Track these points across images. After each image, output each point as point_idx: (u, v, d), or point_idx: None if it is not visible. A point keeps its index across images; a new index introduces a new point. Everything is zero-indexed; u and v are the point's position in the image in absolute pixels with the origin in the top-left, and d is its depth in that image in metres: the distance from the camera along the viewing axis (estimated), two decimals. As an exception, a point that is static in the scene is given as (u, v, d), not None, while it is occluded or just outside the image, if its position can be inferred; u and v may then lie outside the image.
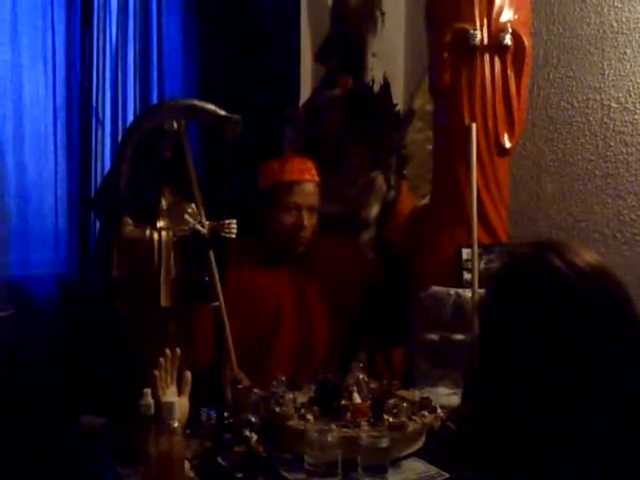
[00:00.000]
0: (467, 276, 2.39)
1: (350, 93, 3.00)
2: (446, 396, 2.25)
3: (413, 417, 1.93)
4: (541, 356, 1.13)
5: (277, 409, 1.91)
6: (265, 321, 2.42)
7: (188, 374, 1.85)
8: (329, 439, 1.73)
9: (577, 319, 1.12)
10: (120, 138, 2.59)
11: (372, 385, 2.06)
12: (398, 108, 3.05)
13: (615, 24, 2.69)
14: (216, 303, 2.01)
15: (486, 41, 2.45)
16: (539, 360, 1.13)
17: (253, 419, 1.83)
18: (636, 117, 2.64)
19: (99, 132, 2.86)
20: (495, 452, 1.20)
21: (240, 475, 1.62)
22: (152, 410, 1.74)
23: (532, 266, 1.19)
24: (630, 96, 2.65)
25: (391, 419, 1.88)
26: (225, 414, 1.89)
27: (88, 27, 2.80)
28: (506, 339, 1.18)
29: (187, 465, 1.67)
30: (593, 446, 1.10)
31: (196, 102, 2.05)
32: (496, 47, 2.45)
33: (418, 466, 1.85)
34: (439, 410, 2.01)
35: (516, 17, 2.47)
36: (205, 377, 1.99)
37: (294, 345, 2.44)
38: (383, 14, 3.16)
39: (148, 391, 1.76)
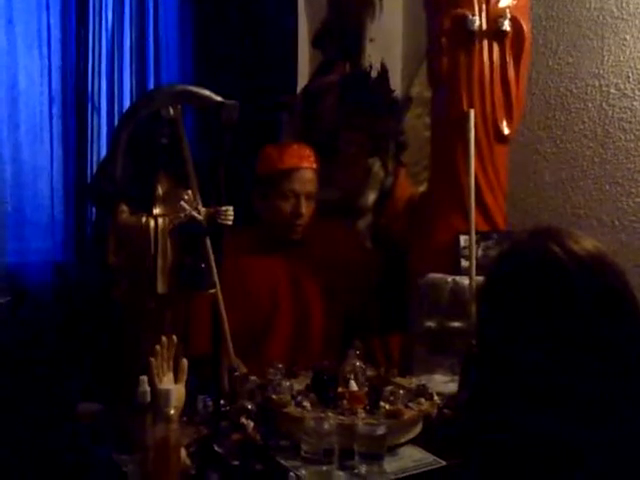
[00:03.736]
0: (465, 263, 2.39)
1: (347, 79, 2.99)
2: (443, 383, 2.25)
3: (410, 404, 1.93)
4: (539, 343, 1.13)
5: (274, 396, 1.91)
6: (262, 308, 2.41)
7: (184, 361, 1.84)
8: (326, 426, 1.73)
9: (575, 306, 1.12)
10: (116, 124, 2.58)
11: (369, 372, 2.07)
12: (396, 94, 3.04)
13: (615, 10, 2.68)
14: (213, 290, 2.00)
15: (485, 27, 2.43)
16: (537, 347, 1.13)
17: (250, 406, 1.83)
18: (635, 103, 2.63)
19: (95, 118, 2.84)
20: (490, 440, 1.20)
21: (237, 462, 1.62)
22: (148, 397, 1.74)
23: (531, 253, 1.19)
24: (629, 82, 2.64)
25: (388, 406, 1.88)
26: (222, 401, 1.89)
27: (84, 13, 2.78)
28: (504, 326, 1.18)
29: (183, 452, 1.66)
30: (592, 430, 1.09)
31: (192, 88, 2.04)
32: (495, 33, 2.44)
33: (415, 453, 1.85)
34: (436, 397, 2.01)
35: (515, 2, 2.45)
36: (202, 364, 1.99)
37: (291, 332, 2.44)
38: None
39: (144, 378, 1.76)
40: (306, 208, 2.45)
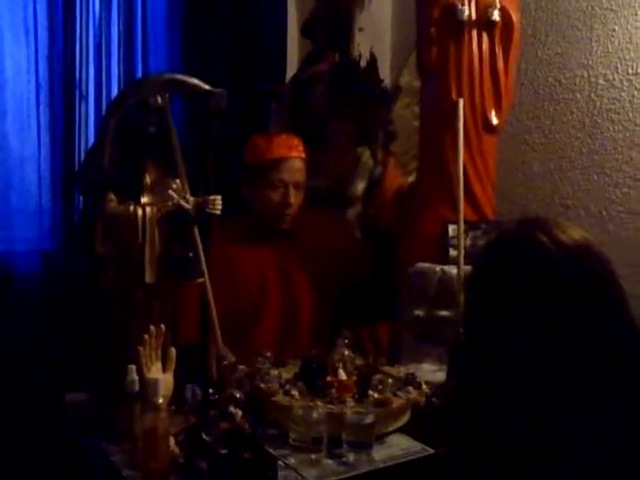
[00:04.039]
0: (453, 253, 2.39)
1: (336, 68, 2.98)
2: (431, 372, 2.26)
3: (398, 393, 1.94)
4: (525, 331, 1.14)
5: (262, 385, 1.92)
6: (250, 297, 2.41)
7: (173, 351, 1.84)
8: (314, 415, 1.74)
9: (562, 295, 1.12)
10: (104, 113, 2.56)
11: (357, 361, 2.07)
12: (385, 84, 3.03)
13: (604, 1, 2.68)
14: (201, 280, 2.00)
15: (474, 17, 2.43)
16: (523, 335, 1.14)
17: (238, 395, 1.83)
18: (623, 94, 2.63)
19: (82, 107, 2.82)
20: (477, 428, 1.20)
21: (225, 451, 1.62)
22: (137, 387, 1.75)
23: (518, 242, 1.19)
24: (617, 73, 2.64)
25: (376, 395, 1.89)
26: (210, 390, 1.89)
27: (71, 0, 2.75)
28: (492, 315, 1.18)
29: (172, 441, 1.67)
30: (579, 418, 1.10)
31: (180, 76, 2.02)
32: (484, 23, 2.43)
33: (403, 442, 1.86)
34: (424, 386, 2.02)
35: (504, -8, 2.45)
36: (190, 353, 1.99)
37: (279, 321, 2.44)
38: (370, -11, 3.14)
39: (133, 368, 1.76)
40: (295, 198, 2.44)
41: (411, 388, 1.98)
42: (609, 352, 1.12)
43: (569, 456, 1.10)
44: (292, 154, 2.45)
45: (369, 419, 1.75)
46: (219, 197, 2.01)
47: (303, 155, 2.48)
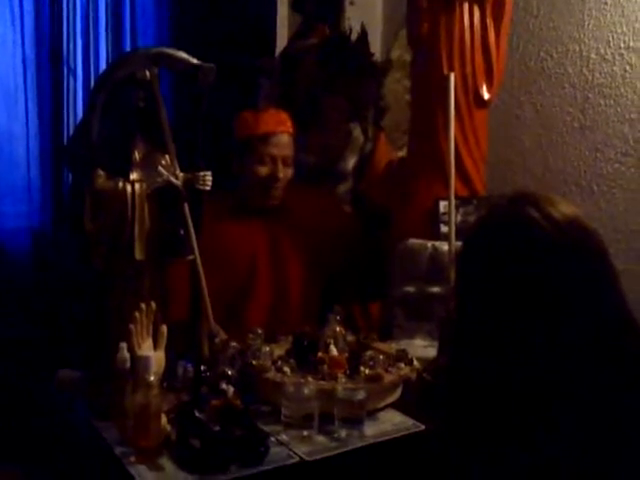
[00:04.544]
0: (444, 229, 2.39)
1: (326, 42, 2.95)
2: (422, 348, 2.27)
3: (389, 369, 1.94)
4: (516, 307, 1.14)
5: (254, 362, 1.92)
6: (241, 274, 2.41)
7: (164, 328, 1.84)
8: (306, 392, 1.74)
9: (552, 270, 1.12)
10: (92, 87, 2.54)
11: (349, 338, 2.07)
12: (375, 58, 3.01)
13: (596, -26, 2.66)
14: (191, 256, 1.99)
15: (465, -10, 2.41)
16: (514, 311, 1.14)
17: (230, 372, 1.83)
18: (615, 69, 2.62)
19: (71, 81, 2.79)
20: (468, 404, 1.21)
21: (217, 428, 1.62)
22: (128, 364, 1.74)
23: (509, 217, 1.19)
24: (609, 47, 2.63)
25: (367, 371, 1.89)
26: (202, 367, 1.89)
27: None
28: (482, 290, 1.18)
29: (164, 419, 1.67)
30: (569, 398, 1.10)
31: (168, 50, 2.00)
32: (475, -4, 2.42)
33: (394, 417, 1.87)
34: (415, 362, 2.02)
35: (496, -35, 2.43)
36: (181, 331, 1.98)
37: (270, 298, 2.44)
38: (361, -39, 3.10)
39: (124, 345, 1.76)
40: (283, 172, 2.44)
41: (402, 364, 1.98)
42: (602, 328, 1.12)
43: (561, 434, 1.10)
44: (280, 129, 2.45)
45: (360, 395, 1.75)
46: (209, 173, 2.00)
47: (291, 130, 2.47)
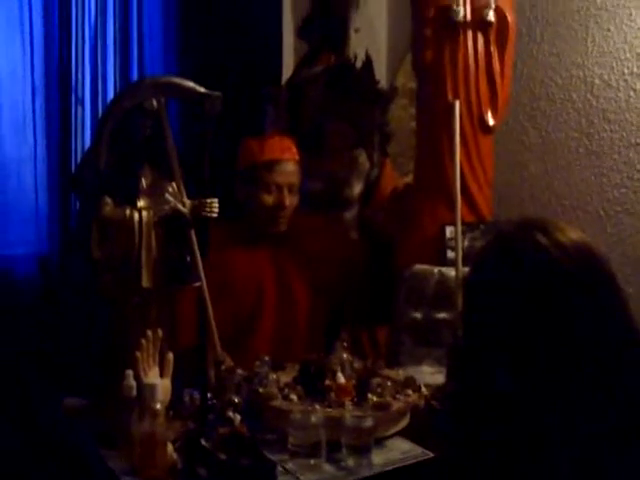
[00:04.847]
0: (451, 254, 2.39)
1: (332, 70, 2.97)
2: (430, 375, 2.25)
3: (397, 396, 1.93)
4: (525, 332, 1.13)
5: (260, 389, 1.91)
6: (247, 301, 2.41)
7: (170, 355, 1.83)
8: (313, 419, 1.73)
9: (561, 296, 1.12)
10: (100, 117, 2.56)
11: (356, 365, 2.06)
12: (381, 85, 3.03)
13: (599, 0, 2.68)
14: (198, 283, 1.99)
15: (469, 17, 2.43)
16: (523, 337, 1.13)
17: (236, 400, 1.82)
18: (619, 94, 2.63)
19: (79, 110, 2.82)
20: (474, 431, 1.20)
21: (224, 456, 1.61)
22: (134, 392, 1.74)
23: (517, 244, 1.19)
24: (613, 73, 2.64)
25: (375, 398, 1.88)
26: (208, 395, 1.88)
27: (67, 4, 2.75)
28: (490, 317, 1.18)
29: (170, 447, 1.66)
30: (582, 423, 1.09)
31: (176, 79, 2.02)
32: (479, 23, 2.44)
33: (403, 445, 1.85)
34: (423, 389, 2.01)
35: (499, -7, 2.45)
36: (188, 358, 1.98)
37: (277, 325, 2.43)
38: (365, -11, 3.13)
39: (130, 373, 1.76)
40: (289, 200, 2.43)
41: (410, 391, 1.97)
42: (609, 353, 1.12)
43: (565, 460, 1.09)
44: (285, 156, 2.44)
45: (368, 423, 1.74)
46: (215, 200, 2.00)
47: (297, 157, 2.47)
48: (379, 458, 1.76)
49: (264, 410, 1.88)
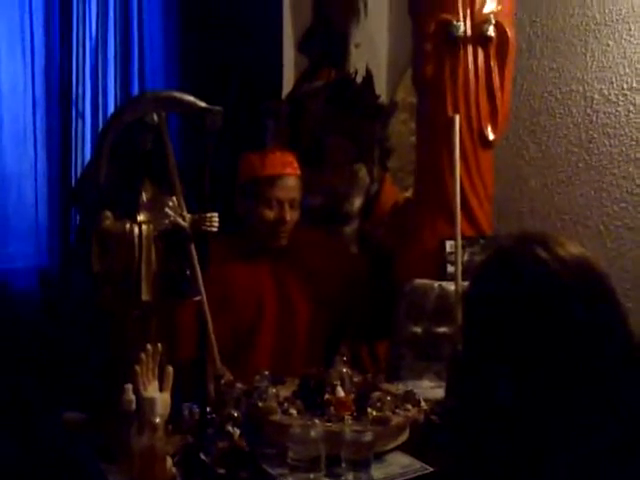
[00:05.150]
0: (451, 269, 2.39)
1: (332, 85, 2.99)
2: (430, 389, 2.25)
3: (397, 411, 1.92)
4: (524, 346, 1.13)
5: (260, 404, 1.90)
6: (247, 315, 2.40)
7: (170, 369, 1.83)
8: (312, 434, 1.72)
9: (560, 310, 1.12)
10: (100, 130, 2.57)
11: (355, 379, 2.05)
12: (381, 100, 3.04)
13: (598, 16, 2.69)
14: (198, 297, 1.99)
15: (469, 32, 2.43)
16: (523, 350, 1.13)
17: (236, 414, 1.82)
18: (619, 109, 2.64)
19: (79, 124, 2.83)
20: (476, 445, 1.19)
21: (223, 471, 1.61)
22: (134, 406, 1.73)
23: (517, 258, 1.19)
24: (613, 88, 2.65)
25: (375, 413, 1.87)
26: (208, 409, 1.88)
27: (68, 18, 2.77)
28: (490, 330, 1.18)
29: (169, 461, 1.65)
30: (581, 437, 1.09)
31: (176, 94, 2.02)
32: (479, 38, 2.44)
33: (402, 460, 1.84)
34: (423, 403, 2.00)
35: (499, 8, 2.46)
36: (187, 372, 1.98)
37: (277, 339, 2.42)
38: (366, 4, 3.15)
39: (129, 387, 1.75)
40: (290, 215, 2.42)
41: (410, 405, 1.96)
42: (608, 367, 1.12)
43: (565, 474, 1.09)
44: (286, 171, 2.43)
45: (368, 437, 1.73)
46: (215, 214, 2.01)
47: (298, 172, 2.46)
48: (378, 472, 1.75)
49: (263, 424, 1.87)
